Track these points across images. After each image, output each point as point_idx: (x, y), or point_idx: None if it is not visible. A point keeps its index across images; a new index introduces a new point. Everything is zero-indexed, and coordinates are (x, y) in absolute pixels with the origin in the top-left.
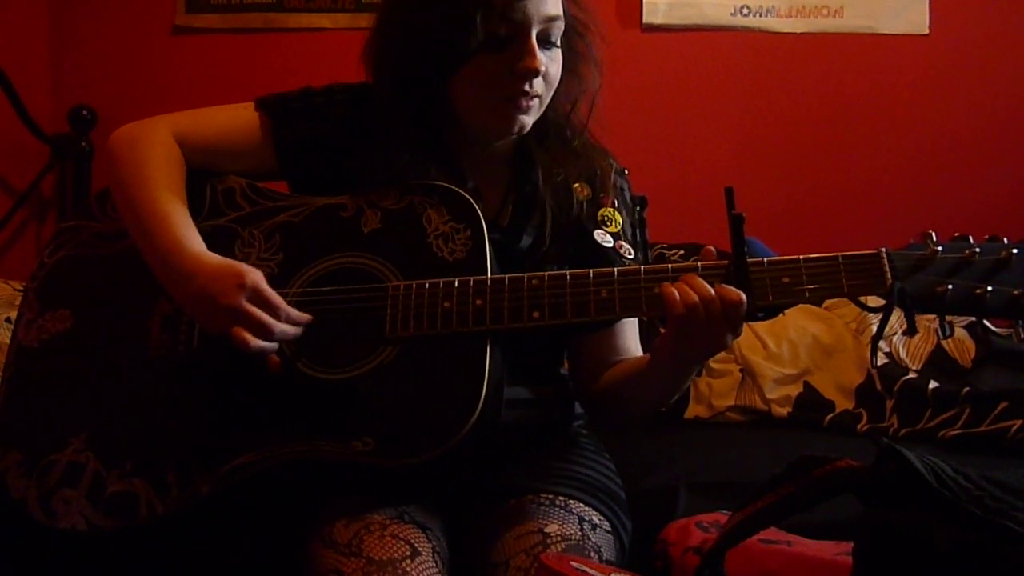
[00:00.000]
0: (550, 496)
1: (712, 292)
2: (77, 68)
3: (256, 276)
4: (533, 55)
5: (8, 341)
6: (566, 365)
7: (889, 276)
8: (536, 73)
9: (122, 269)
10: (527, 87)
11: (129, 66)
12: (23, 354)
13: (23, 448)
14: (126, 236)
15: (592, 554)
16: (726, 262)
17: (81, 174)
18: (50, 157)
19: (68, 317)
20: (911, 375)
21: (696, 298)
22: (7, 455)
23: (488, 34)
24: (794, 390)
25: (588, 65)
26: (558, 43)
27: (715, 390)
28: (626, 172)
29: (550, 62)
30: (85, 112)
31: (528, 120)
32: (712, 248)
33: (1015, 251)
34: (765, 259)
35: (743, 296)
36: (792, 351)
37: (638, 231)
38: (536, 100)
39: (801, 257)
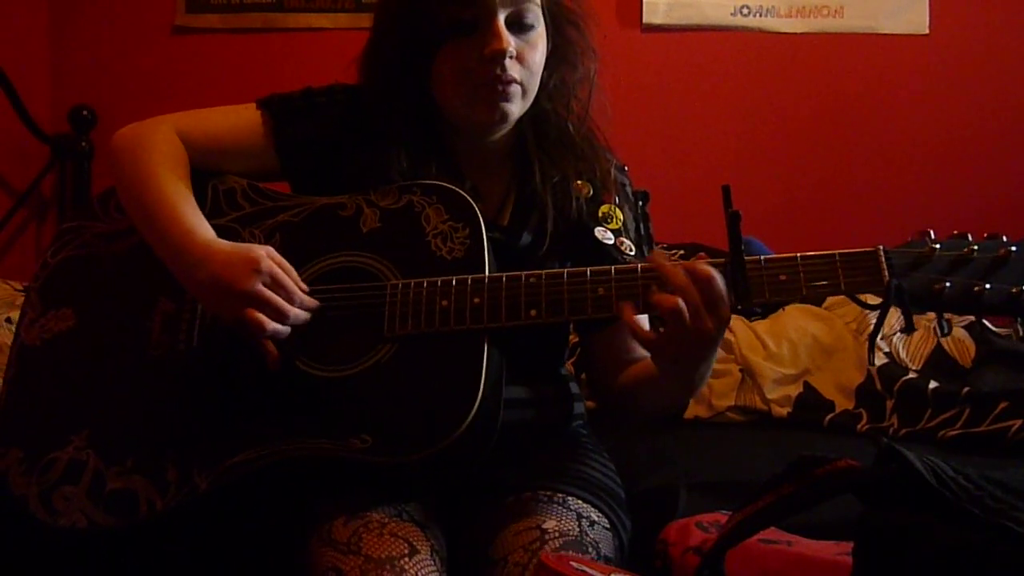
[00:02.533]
0: (548, 492)
1: (684, 280)
2: (77, 68)
3: (270, 262)
4: (499, 37)
5: (8, 341)
6: (568, 366)
7: (886, 273)
8: (503, 54)
9: (124, 269)
10: (499, 71)
11: (129, 66)
12: (25, 353)
13: (24, 446)
14: (128, 236)
15: (590, 550)
16: (723, 260)
17: (81, 174)
18: (50, 157)
19: (70, 316)
20: (911, 375)
21: (677, 301)
22: (8, 453)
23: (452, 20)
24: (794, 390)
25: (586, 54)
26: (535, 26)
27: (715, 390)
28: (626, 168)
29: (525, 46)
30: (85, 112)
31: (511, 108)
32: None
33: (1013, 249)
34: (762, 257)
35: (711, 271)
36: (792, 351)
37: (642, 226)
38: (516, 87)
39: (798, 255)
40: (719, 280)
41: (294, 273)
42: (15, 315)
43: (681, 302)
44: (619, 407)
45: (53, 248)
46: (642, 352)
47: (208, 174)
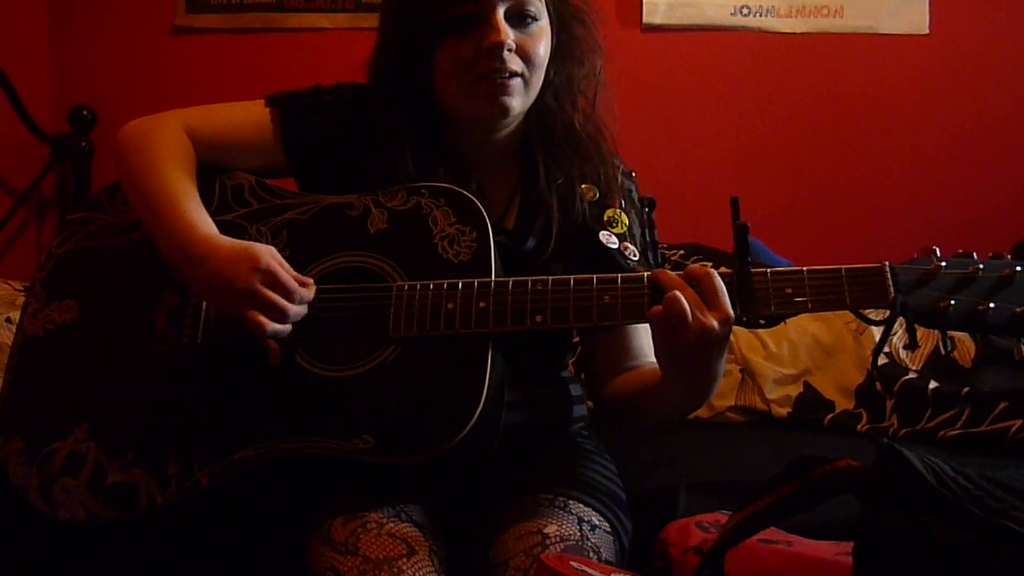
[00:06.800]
0: (549, 496)
1: (681, 281)
2: (77, 68)
3: (269, 259)
4: (497, 29)
5: (8, 341)
6: (569, 367)
7: (892, 290)
8: (501, 47)
9: (129, 261)
10: (498, 63)
11: (129, 66)
12: (28, 343)
13: (25, 436)
14: (134, 229)
15: (591, 554)
16: (731, 272)
17: (81, 174)
18: (50, 157)
19: (74, 307)
20: (911, 375)
21: (676, 295)
22: (9, 443)
23: (452, 15)
24: (794, 390)
25: (592, 50)
26: (537, 19)
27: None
28: (633, 174)
29: (526, 38)
30: (85, 112)
31: (511, 102)
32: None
33: (1018, 269)
34: (768, 269)
35: (707, 270)
36: (792, 351)
37: (647, 232)
38: (517, 80)
39: (805, 269)
40: (715, 276)
41: (292, 274)
42: (15, 315)
43: (680, 296)
44: (617, 411)
45: (59, 239)
46: (643, 359)
47: (216, 169)
